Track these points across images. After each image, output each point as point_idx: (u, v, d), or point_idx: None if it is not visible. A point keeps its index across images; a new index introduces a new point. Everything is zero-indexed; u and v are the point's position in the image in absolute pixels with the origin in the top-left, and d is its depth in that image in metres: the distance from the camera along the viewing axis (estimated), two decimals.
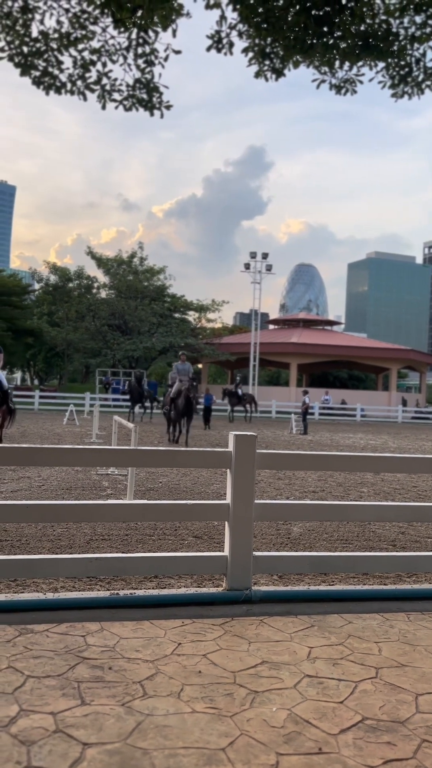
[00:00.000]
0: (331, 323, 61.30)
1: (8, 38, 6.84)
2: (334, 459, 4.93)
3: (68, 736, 2.44)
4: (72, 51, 6.93)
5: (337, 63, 7.19)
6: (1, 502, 4.41)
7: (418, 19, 6.90)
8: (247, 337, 46.44)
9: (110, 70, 7.06)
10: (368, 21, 6.88)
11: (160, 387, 41.35)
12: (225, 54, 7.17)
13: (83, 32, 6.87)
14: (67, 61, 6.96)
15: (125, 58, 7.06)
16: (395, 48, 6.98)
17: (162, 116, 7.37)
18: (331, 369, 59.30)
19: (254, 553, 4.32)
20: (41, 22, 6.81)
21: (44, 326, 45.06)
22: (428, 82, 7.23)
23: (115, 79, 7.12)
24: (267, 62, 7.26)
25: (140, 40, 6.97)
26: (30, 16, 6.79)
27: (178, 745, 2.42)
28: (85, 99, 7.12)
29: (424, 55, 7.11)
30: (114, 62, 7.04)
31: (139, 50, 7.03)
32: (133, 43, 6.98)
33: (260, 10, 6.73)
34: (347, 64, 7.19)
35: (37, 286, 50.31)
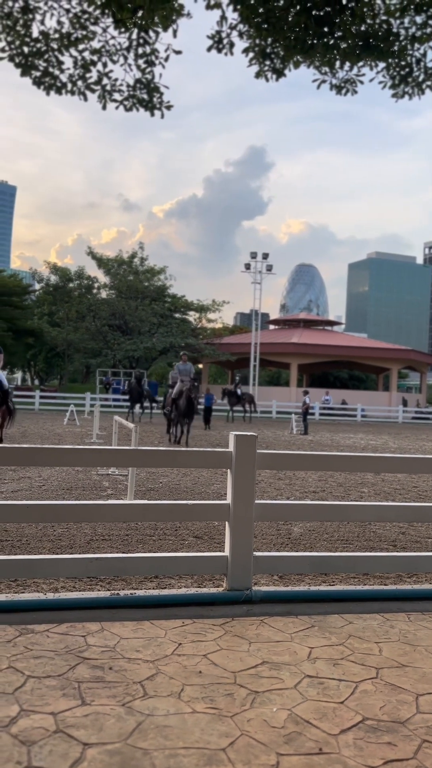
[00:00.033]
0: (332, 323, 61.30)
1: (9, 38, 6.84)
2: (335, 459, 4.93)
3: (69, 736, 2.44)
4: (72, 51, 6.93)
5: (338, 63, 7.19)
6: (2, 502, 4.41)
7: (418, 19, 6.91)
8: (248, 337, 46.45)
9: (111, 71, 7.06)
10: (369, 21, 6.88)
11: (161, 387, 41.36)
12: (225, 54, 7.17)
13: (84, 32, 6.87)
14: (67, 62, 6.97)
15: (126, 58, 7.06)
16: (396, 48, 6.98)
17: (162, 116, 7.38)
18: (331, 369, 59.29)
19: (255, 553, 4.32)
20: (42, 22, 6.82)
21: (45, 326, 45.08)
22: (429, 83, 7.23)
23: (116, 80, 7.12)
24: (267, 62, 7.26)
25: (141, 41, 6.97)
26: (30, 16, 6.79)
27: (178, 745, 2.42)
28: (85, 99, 7.13)
29: (424, 55, 7.11)
30: (114, 62, 7.05)
31: (140, 50, 7.04)
32: (134, 43, 6.98)
33: (261, 10, 6.73)
34: (348, 64, 7.19)
35: (37, 286, 50.33)
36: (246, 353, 43.60)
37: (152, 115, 7.26)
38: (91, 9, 6.78)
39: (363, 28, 6.86)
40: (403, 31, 6.97)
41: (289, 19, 6.76)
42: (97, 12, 6.78)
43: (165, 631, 3.55)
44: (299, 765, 2.34)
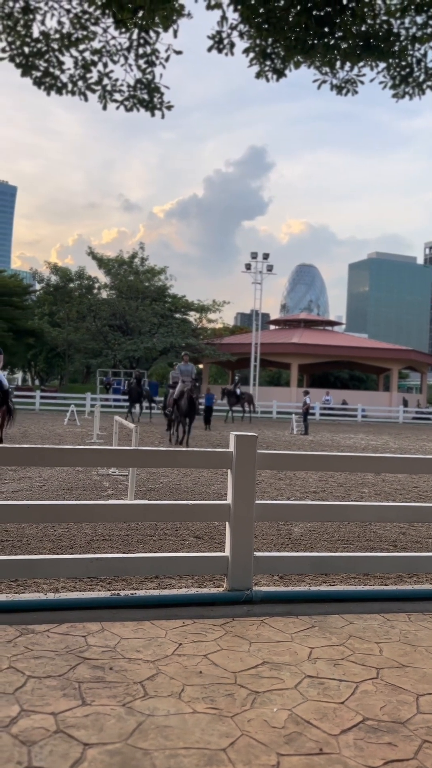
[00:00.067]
0: (332, 323, 61.29)
1: (9, 39, 6.85)
2: (335, 459, 4.93)
3: (69, 736, 2.44)
4: (73, 51, 6.94)
5: (338, 63, 7.19)
6: (3, 502, 4.41)
7: (419, 19, 6.91)
8: (248, 337, 46.45)
9: (111, 71, 7.07)
10: (369, 21, 6.88)
11: (161, 387, 41.36)
12: (226, 54, 7.17)
13: (84, 33, 6.88)
14: (68, 62, 6.98)
15: (126, 58, 7.07)
16: (396, 48, 6.98)
17: (163, 117, 7.38)
18: (332, 369, 59.29)
19: (255, 553, 4.32)
20: (42, 22, 6.82)
21: (45, 326, 45.10)
22: (429, 83, 7.23)
23: (116, 80, 7.13)
24: (268, 63, 7.26)
25: (141, 41, 6.98)
26: (31, 16, 6.79)
27: (178, 745, 2.42)
28: (86, 99, 7.13)
29: (425, 55, 7.11)
30: (115, 63, 7.05)
31: (140, 51, 7.04)
32: (134, 43, 6.99)
33: (261, 10, 6.73)
34: (348, 64, 7.19)
35: (38, 286, 50.36)
36: (246, 353, 43.61)
37: (153, 115, 7.27)
38: (91, 9, 6.79)
39: (363, 29, 6.87)
40: (403, 32, 6.97)
41: (290, 19, 6.76)
42: (98, 12, 6.79)
43: (165, 632, 3.55)
44: (300, 765, 2.34)
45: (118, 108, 7.24)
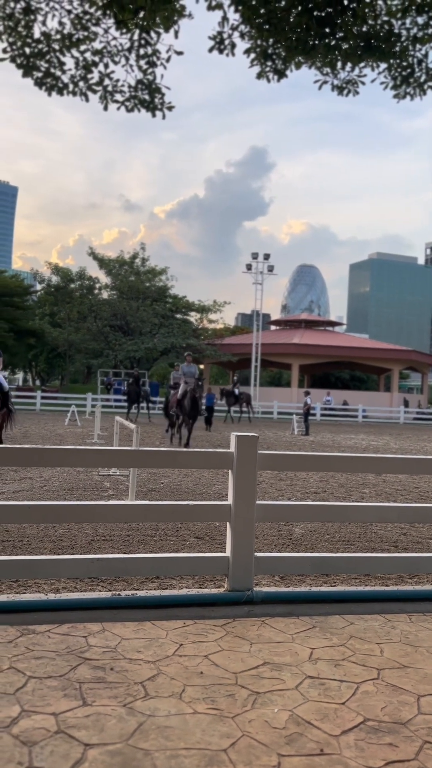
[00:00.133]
0: (333, 324, 61.29)
1: (10, 39, 6.86)
2: (336, 460, 4.93)
3: (70, 736, 2.44)
4: (74, 52, 6.94)
5: (339, 64, 7.19)
6: (4, 502, 4.41)
7: (420, 20, 6.91)
8: (249, 337, 46.45)
9: (112, 71, 7.07)
10: (370, 22, 6.89)
11: (162, 388, 41.37)
12: (227, 55, 7.18)
13: (85, 33, 6.88)
14: (69, 62, 6.98)
15: (127, 59, 7.07)
16: (397, 49, 6.98)
17: (164, 117, 7.38)
18: (332, 370, 59.28)
19: (256, 553, 4.32)
20: (43, 23, 6.83)
21: (46, 327, 45.12)
22: (430, 83, 7.23)
23: (117, 80, 7.13)
24: (269, 63, 7.26)
25: (142, 42, 6.98)
26: (32, 17, 6.80)
27: (179, 746, 2.42)
28: (87, 100, 7.14)
29: (426, 56, 7.11)
30: (116, 63, 7.06)
31: (141, 51, 7.04)
32: (135, 44, 6.99)
33: (262, 11, 6.74)
34: (349, 65, 7.20)
35: (38, 286, 50.40)
36: (247, 354, 43.61)
37: (153, 115, 7.27)
38: (92, 10, 6.79)
39: (364, 29, 6.87)
40: (404, 32, 6.98)
41: (291, 19, 6.76)
42: (99, 13, 6.79)
43: (166, 632, 3.55)
44: (300, 766, 2.34)
45: (119, 108, 7.24)
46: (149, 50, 7.04)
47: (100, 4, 6.72)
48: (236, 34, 7.04)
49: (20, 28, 6.83)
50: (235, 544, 4.24)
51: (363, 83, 7.41)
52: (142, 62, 7.09)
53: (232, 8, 6.82)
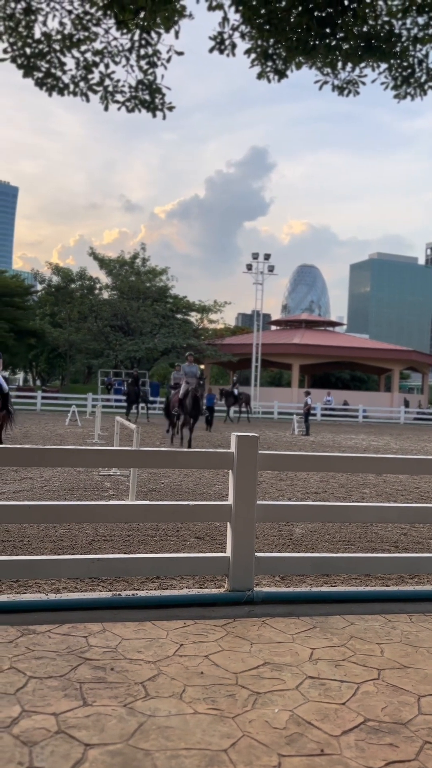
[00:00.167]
0: (333, 324, 61.29)
1: (11, 40, 6.86)
2: (336, 460, 4.93)
3: (70, 737, 2.44)
4: (75, 52, 6.95)
5: (340, 64, 7.19)
6: (4, 502, 4.41)
7: (420, 20, 6.91)
8: (249, 338, 46.45)
9: (113, 72, 7.08)
10: (371, 22, 6.89)
11: (162, 388, 41.38)
12: (227, 55, 7.18)
13: (86, 34, 6.89)
14: (69, 63, 6.99)
15: (128, 59, 7.07)
16: (398, 49, 6.98)
17: (164, 117, 7.39)
18: (333, 370, 59.27)
19: (256, 554, 4.32)
20: (44, 23, 6.83)
21: (46, 327, 45.14)
22: (431, 83, 7.23)
23: (118, 81, 7.14)
24: (269, 63, 7.27)
25: (143, 42, 6.98)
26: (33, 17, 6.80)
27: (180, 746, 2.42)
28: (87, 100, 7.14)
29: (426, 56, 7.11)
30: (116, 64, 7.06)
31: (142, 52, 7.05)
32: (136, 44, 6.99)
33: (263, 11, 6.74)
34: (350, 65, 7.20)
35: (39, 287, 50.40)
36: (248, 354, 43.61)
37: (154, 116, 7.27)
38: (93, 10, 6.80)
39: (365, 29, 6.87)
40: (405, 32, 6.98)
41: (291, 20, 6.76)
42: (99, 13, 6.80)
43: (167, 632, 3.55)
44: (301, 766, 2.34)
45: (119, 109, 7.25)
46: (150, 50, 7.05)
47: (101, 4, 6.72)
48: (237, 34, 7.04)
49: (21, 29, 6.83)
50: (235, 544, 4.24)
51: (363, 83, 7.41)
52: (143, 62, 7.10)
53: (233, 8, 6.82)
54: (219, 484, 9.71)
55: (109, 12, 6.74)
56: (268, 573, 4.60)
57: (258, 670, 3.13)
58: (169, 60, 7.08)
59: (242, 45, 7.15)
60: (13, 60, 6.89)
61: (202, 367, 49.73)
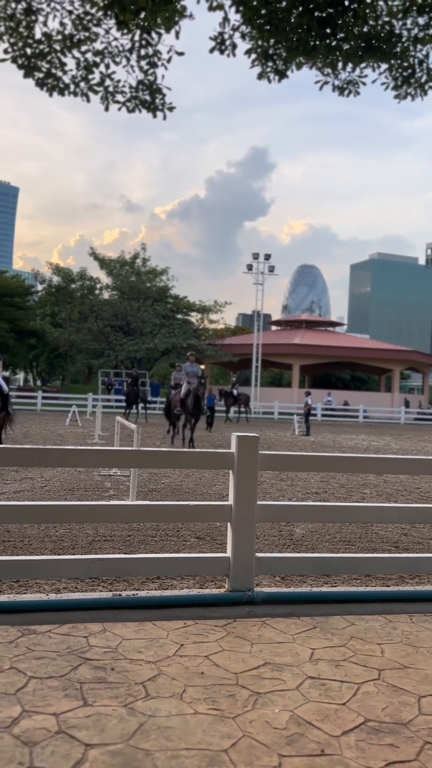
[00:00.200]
0: (334, 324, 61.32)
1: (12, 40, 6.86)
2: (337, 460, 4.93)
3: (70, 737, 2.44)
4: (75, 53, 6.95)
5: (340, 64, 7.19)
6: (5, 502, 4.41)
7: (421, 20, 6.91)
8: (250, 338, 46.46)
9: (113, 72, 7.08)
10: (371, 23, 6.89)
11: (162, 388, 41.37)
12: (228, 56, 7.18)
13: (86, 34, 6.89)
14: (70, 63, 6.99)
15: (128, 59, 7.08)
16: (398, 49, 6.98)
17: (165, 118, 7.39)
18: (333, 370, 59.28)
19: (257, 554, 4.32)
20: (45, 24, 6.83)
21: (47, 327, 45.15)
22: (431, 84, 7.23)
23: (118, 81, 7.14)
24: (270, 64, 7.27)
25: (143, 42, 6.98)
26: (33, 18, 6.81)
27: (180, 746, 2.42)
28: (88, 101, 7.14)
29: (427, 56, 7.11)
30: (117, 64, 7.06)
31: (142, 52, 7.05)
32: (136, 44, 7.00)
33: (263, 11, 6.74)
34: (350, 65, 7.20)
35: (39, 287, 50.43)
36: (248, 354, 43.62)
37: (154, 116, 7.27)
38: (93, 11, 6.80)
39: (365, 30, 6.87)
40: (405, 33, 6.98)
41: (292, 20, 6.76)
42: (100, 14, 6.80)
43: (167, 632, 3.55)
44: (301, 766, 2.34)
45: (120, 109, 7.25)
46: (150, 51, 7.05)
47: (101, 4, 6.73)
48: (237, 34, 7.04)
49: (21, 29, 6.84)
50: (235, 544, 4.24)
51: (364, 84, 7.41)
52: (143, 63, 7.10)
53: (233, 9, 6.82)
54: (219, 485, 9.71)
55: (109, 12, 6.74)
56: (268, 573, 4.60)
57: (258, 671, 3.13)
58: (169, 60, 7.08)
59: (243, 45, 7.16)
60: (14, 60, 6.90)
61: (203, 367, 49.75)
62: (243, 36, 7.05)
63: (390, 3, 6.89)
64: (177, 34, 6.92)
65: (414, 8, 6.77)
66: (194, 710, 2.70)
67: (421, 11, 6.79)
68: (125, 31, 6.90)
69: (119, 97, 7.19)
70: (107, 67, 7.05)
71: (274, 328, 63.49)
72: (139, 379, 25.78)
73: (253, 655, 3.31)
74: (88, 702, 2.71)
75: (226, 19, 6.93)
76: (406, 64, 7.12)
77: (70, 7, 6.82)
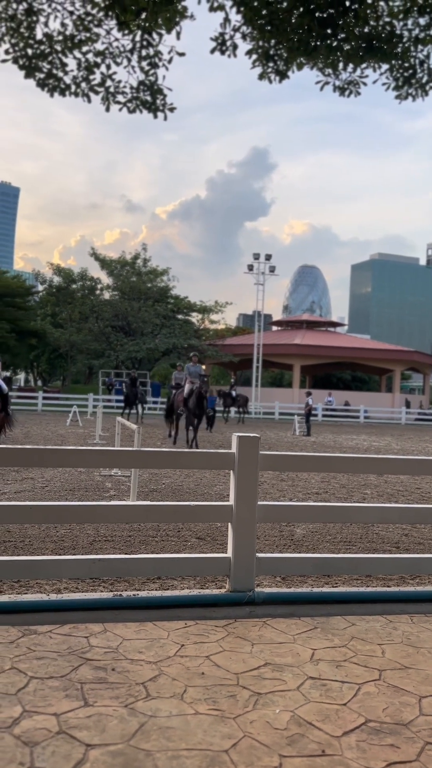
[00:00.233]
0: (335, 325, 61.32)
1: (13, 41, 6.87)
2: (338, 461, 4.93)
3: (71, 737, 2.44)
4: (76, 53, 6.95)
5: (341, 65, 7.19)
6: (5, 503, 4.42)
7: (422, 21, 6.91)
8: (251, 338, 46.46)
9: (114, 72, 7.08)
10: (372, 23, 6.89)
11: (163, 388, 41.38)
12: (229, 56, 7.18)
13: (87, 34, 6.89)
14: (71, 64, 6.99)
15: (129, 60, 7.08)
16: (399, 50, 6.98)
17: (165, 118, 7.39)
18: (334, 370, 59.28)
19: (257, 554, 4.32)
20: (46, 24, 6.84)
21: (48, 327, 45.17)
22: None
23: (119, 81, 7.14)
24: (271, 64, 7.27)
25: (144, 43, 6.99)
26: (34, 18, 6.81)
27: (181, 746, 2.42)
28: (89, 101, 7.15)
29: (428, 56, 7.11)
30: (118, 64, 7.06)
31: (143, 52, 7.05)
32: (137, 45, 7.00)
33: (264, 12, 6.74)
34: (351, 65, 7.19)
35: (40, 287, 50.45)
36: (249, 354, 43.62)
37: (155, 116, 7.28)
38: (94, 11, 6.80)
39: (366, 30, 6.87)
40: (406, 33, 6.98)
41: (293, 20, 6.76)
42: (101, 14, 6.80)
43: (168, 633, 3.55)
44: (302, 767, 2.34)
45: (120, 109, 7.25)
46: (151, 51, 7.05)
47: (102, 5, 6.73)
48: (238, 35, 7.04)
49: (22, 30, 6.84)
50: (236, 544, 4.24)
51: (365, 84, 7.41)
52: (144, 63, 7.10)
53: (234, 9, 6.82)
54: (220, 485, 9.72)
55: (110, 13, 6.74)
56: (269, 573, 4.60)
57: (259, 671, 3.13)
58: (170, 61, 7.08)
59: (243, 46, 7.14)
60: (15, 61, 6.90)
61: (203, 367, 49.74)
62: (244, 36, 7.05)
63: (391, 3, 6.89)
64: (178, 34, 6.92)
65: (415, 9, 6.77)
66: (195, 710, 2.70)
67: (421, 12, 6.79)
68: (126, 31, 6.90)
69: (120, 98, 7.20)
70: (108, 67, 7.05)
71: (274, 328, 63.50)
72: (138, 380, 25.81)
73: (254, 655, 3.31)
74: (89, 702, 2.72)
75: (227, 19, 6.93)
76: (407, 64, 7.11)
77: (71, 8, 6.82)
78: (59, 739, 2.43)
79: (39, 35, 6.89)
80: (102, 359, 43.81)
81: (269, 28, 6.83)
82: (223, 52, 7.16)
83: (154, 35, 6.97)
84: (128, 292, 44.06)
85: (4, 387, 10.25)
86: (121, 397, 33.83)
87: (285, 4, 6.76)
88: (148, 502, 6.14)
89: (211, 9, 6.88)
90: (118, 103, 7.21)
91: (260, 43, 7.08)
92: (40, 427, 20.42)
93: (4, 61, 6.89)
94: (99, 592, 4.38)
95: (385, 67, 7.17)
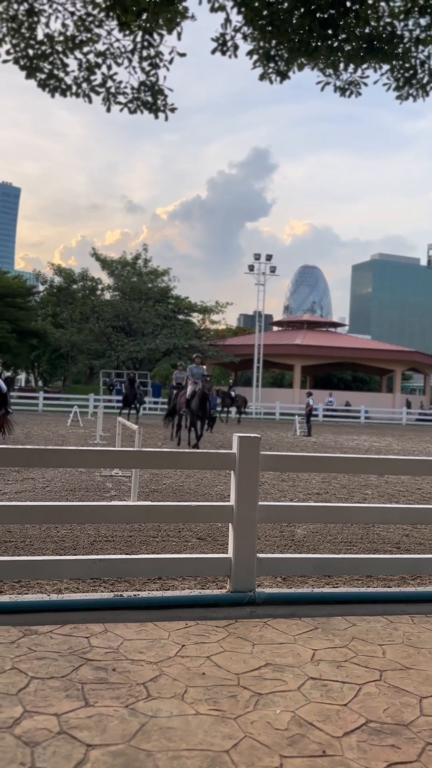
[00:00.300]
0: (335, 325, 61.29)
1: (14, 41, 6.87)
2: (338, 461, 4.93)
3: (72, 737, 2.44)
4: (77, 54, 6.96)
5: (342, 65, 7.19)
6: (6, 503, 4.42)
7: (422, 21, 6.91)
8: (251, 338, 46.47)
9: (115, 73, 7.09)
10: (373, 23, 6.89)
11: (164, 389, 41.37)
12: (230, 57, 7.18)
13: (88, 35, 6.90)
14: (72, 64, 7.00)
15: (130, 60, 7.08)
16: (400, 50, 6.98)
17: (166, 119, 7.39)
18: (335, 371, 59.26)
19: (258, 555, 4.32)
20: (47, 25, 6.84)
21: (48, 328, 45.19)
22: None
23: (120, 82, 7.14)
24: (272, 65, 7.27)
25: (145, 43, 6.99)
26: (35, 19, 6.82)
27: (181, 747, 2.42)
28: (90, 101, 7.15)
29: (428, 57, 7.11)
30: (119, 65, 7.07)
31: (144, 53, 7.05)
32: (138, 45, 7.00)
33: (265, 12, 6.74)
34: (352, 66, 7.20)
35: (41, 287, 50.47)
36: (249, 355, 43.62)
37: (156, 117, 7.28)
38: (95, 12, 6.81)
39: (367, 31, 6.87)
40: (407, 33, 6.98)
41: (294, 21, 6.77)
42: (102, 15, 6.80)
43: (168, 633, 3.55)
44: (303, 767, 2.34)
45: (121, 110, 7.26)
46: (152, 52, 7.05)
47: (103, 6, 6.73)
48: (239, 35, 7.04)
49: (24, 30, 6.85)
50: (237, 545, 4.24)
51: (365, 84, 7.41)
52: (145, 64, 7.11)
53: (235, 10, 6.83)
54: (221, 485, 9.72)
55: (111, 13, 6.75)
56: (269, 574, 4.60)
57: (260, 671, 3.13)
58: (171, 61, 7.09)
59: (244, 46, 7.14)
60: (16, 61, 6.91)
61: (204, 367, 49.74)
62: (245, 37, 7.05)
63: (392, 4, 6.90)
64: (179, 35, 6.93)
65: (416, 9, 6.77)
66: (195, 711, 2.70)
67: (422, 12, 6.79)
68: (127, 32, 6.90)
69: (121, 98, 7.20)
70: (109, 68, 7.05)
71: (275, 328, 63.50)
72: (137, 381, 25.85)
73: (255, 655, 3.31)
74: (90, 702, 2.72)
75: (227, 20, 6.93)
76: (407, 65, 7.12)
77: (72, 9, 6.83)
78: (60, 739, 2.43)
79: (40, 36, 6.90)
80: (103, 359, 43.82)
81: (270, 28, 6.84)
82: (224, 53, 7.16)
83: (155, 36, 6.97)
84: (129, 292, 44.08)
85: (4, 387, 10.25)
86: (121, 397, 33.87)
87: (286, 4, 6.76)
88: (149, 503, 6.14)
89: (212, 9, 6.88)
90: (119, 103, 7.22)
91: (261, 43, 7.08)
92: (41, 427, 20.42)
93: (5, 61, 6.90)
94: (100, 592, 4.38)
95: (385, 67, 7.17)
